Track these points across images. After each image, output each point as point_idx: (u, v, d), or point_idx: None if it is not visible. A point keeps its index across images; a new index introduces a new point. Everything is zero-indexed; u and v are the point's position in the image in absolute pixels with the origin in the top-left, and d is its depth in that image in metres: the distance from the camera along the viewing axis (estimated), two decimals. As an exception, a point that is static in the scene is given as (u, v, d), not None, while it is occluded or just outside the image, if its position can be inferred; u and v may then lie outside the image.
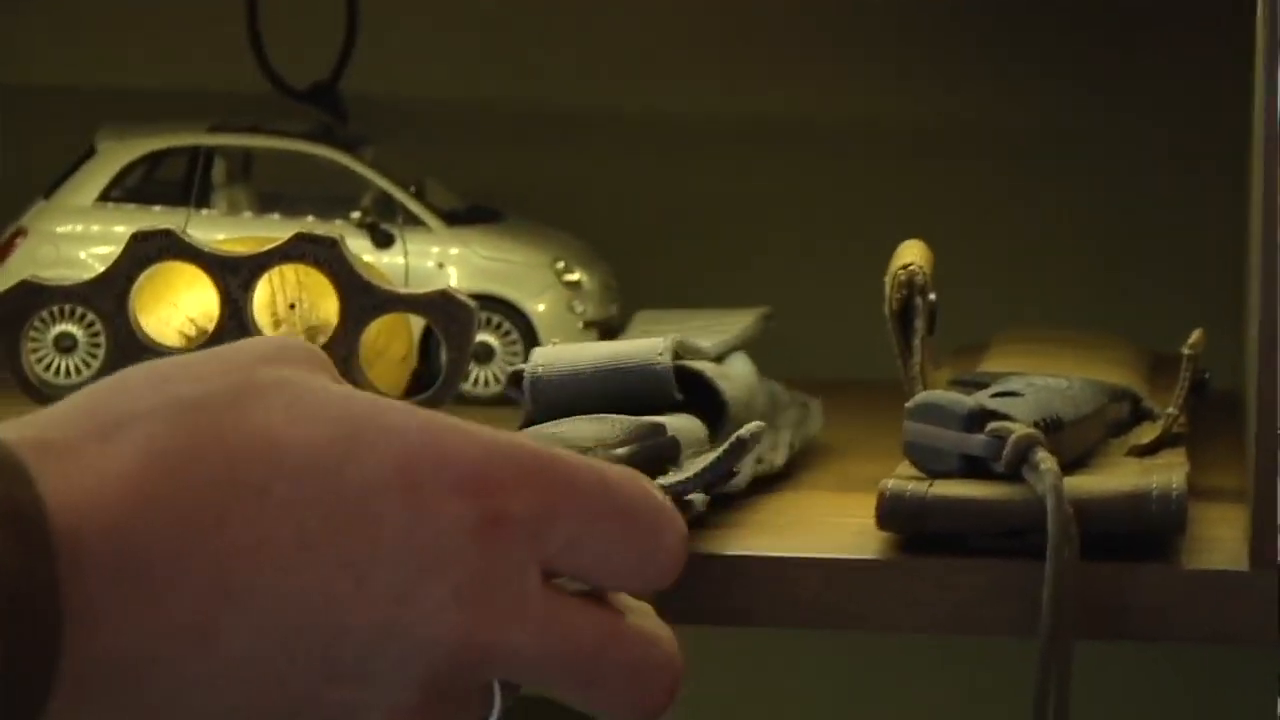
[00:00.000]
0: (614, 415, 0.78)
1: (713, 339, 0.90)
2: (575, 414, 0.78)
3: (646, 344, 0.83)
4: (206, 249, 0.84)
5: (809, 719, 1.36)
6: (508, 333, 1.06)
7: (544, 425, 0.79)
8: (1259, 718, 1.18)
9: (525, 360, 0.93)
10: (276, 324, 0.87)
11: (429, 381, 0.96)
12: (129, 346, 0.84)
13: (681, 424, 0.79)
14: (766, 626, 0.81)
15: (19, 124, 1.31)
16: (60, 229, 1.11)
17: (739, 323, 0.96)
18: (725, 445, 0.72)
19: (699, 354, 0.86)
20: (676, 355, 0.82)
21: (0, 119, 1.30)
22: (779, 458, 0.86)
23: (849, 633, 1.00)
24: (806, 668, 1.35)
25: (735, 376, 0.86)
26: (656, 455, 0.75)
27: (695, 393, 0.83)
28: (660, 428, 0.77)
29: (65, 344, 1.03)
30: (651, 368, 0.80)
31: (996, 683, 1.15)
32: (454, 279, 1.04)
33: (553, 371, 0.81)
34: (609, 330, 1.11)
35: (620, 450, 0.73)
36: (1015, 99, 1.24)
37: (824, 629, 0.84)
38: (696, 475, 0.72)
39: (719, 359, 0.88)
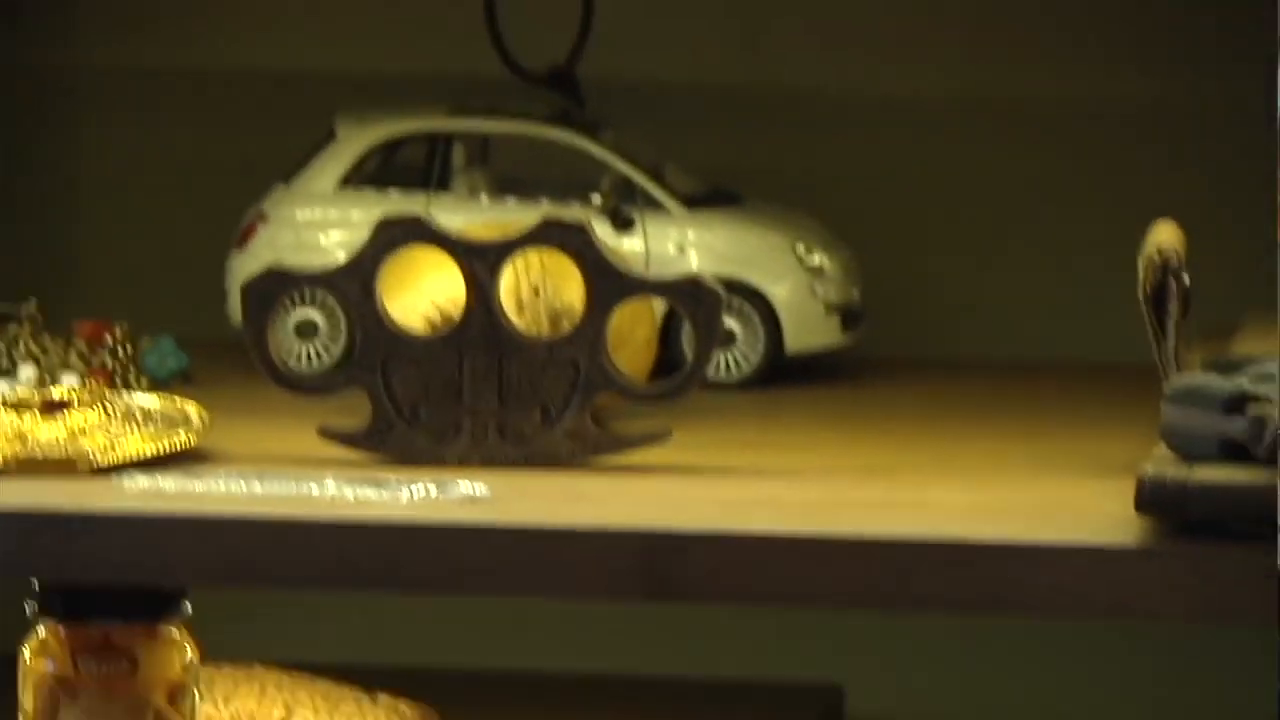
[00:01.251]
0: None
1: None
2: None
3: None
4: (454, 234, 0.87)
5: (1067, 704, 1.40)
6: (749, 317, 1.08)
7: None
8: None
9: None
10: (520, 308, 0.89)
11: (669, 365, 0.99)
12: (375, 332, 0.88)
13: None
14: (1025, 616, 0.83)
15: (260, 109, 1.37)
16: (300, 214, 1.15)
17: None
18: None
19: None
20: None
21: (241, 104, 1.36)
22: None
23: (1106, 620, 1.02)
24: (1059, 656, 1.38)
25: None
26: None
27: None
28: None
29: (305, 330, 1.07)
30: None
31: (1257, 671, 1.19)
32: (694, 263, 1.07)
33: None
34: (850, 315, 1.12)
35: None
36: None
37: (1085, 617, 0.85)
38: None
39: None
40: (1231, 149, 1.27)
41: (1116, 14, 1.27)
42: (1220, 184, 1.27)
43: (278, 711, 1.08)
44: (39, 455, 0.87)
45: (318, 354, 1.06)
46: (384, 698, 1.15)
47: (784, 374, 1.13)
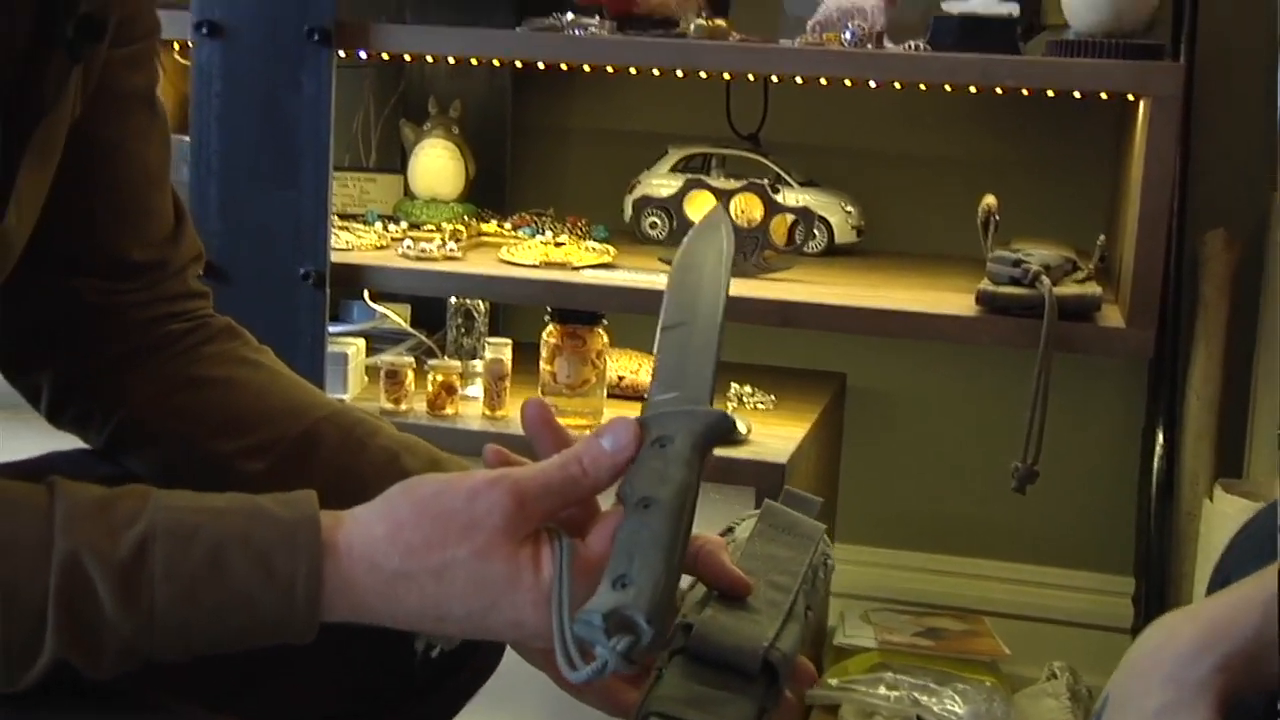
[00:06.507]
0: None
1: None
2: None
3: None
4: (713, 184, 2.28)
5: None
6: (825, 228, 2.43)
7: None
8: None
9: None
10: (738, 217, 2.29)
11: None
12: (686, 222, 2.28)
13: None
14: (926, 338, 2.13)
15: (611, 150, 2.69)
16: (654, 182, 2.51)
17: None
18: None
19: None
20: None
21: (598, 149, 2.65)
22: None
23: (955, 342, 2.31)
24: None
25: None
26: None
27: None
28: None
29: (655, 224, 2.45)
30: None
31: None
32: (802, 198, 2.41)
33: None
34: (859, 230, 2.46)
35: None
36: None
37: (942, 339, 2.28)
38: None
39: None
40: (1028, 182, 2.54)
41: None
42: (1023, 192, 2.53)
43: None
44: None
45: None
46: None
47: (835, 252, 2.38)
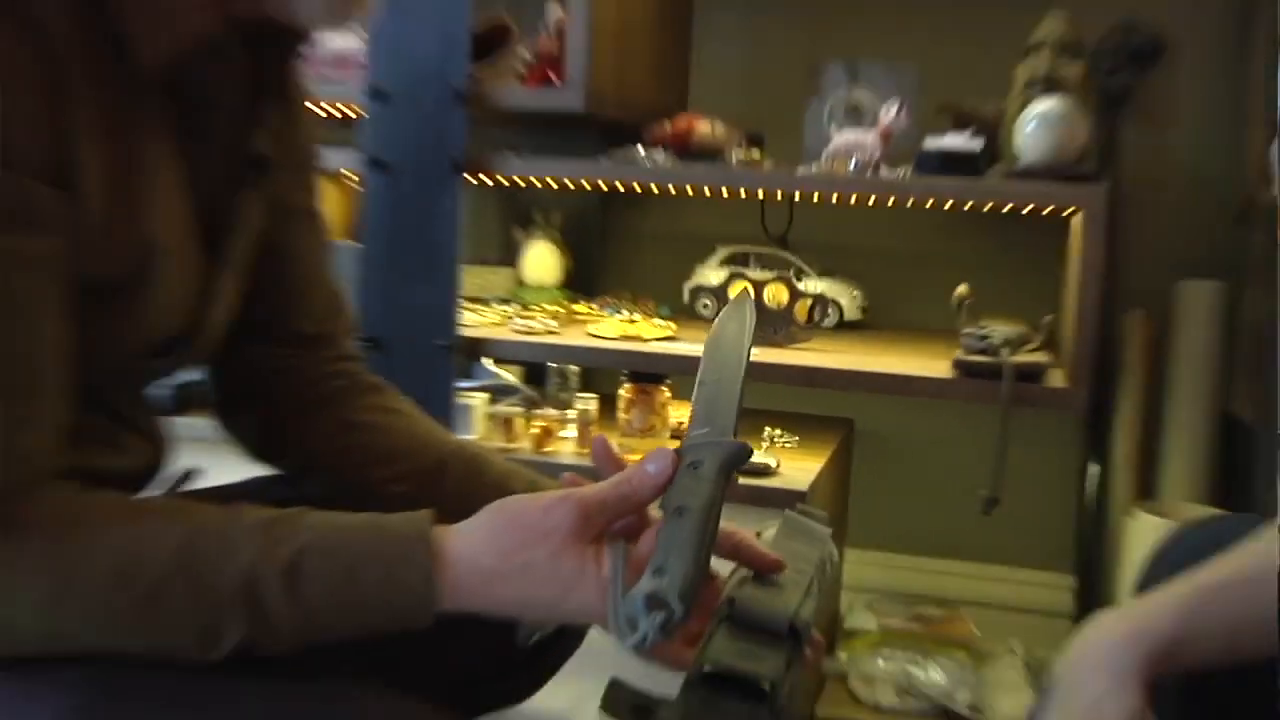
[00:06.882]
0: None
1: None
2: None
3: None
4: (750, 275, 2.33)
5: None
6: (838, 305, 2.49)
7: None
8: None
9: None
10: (770, 299, 2.35)
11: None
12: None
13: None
14: (903, 395, 2.19)
15: (675, 247, 2.79)
16: (707, 273, 2.59)
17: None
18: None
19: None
20: None
21: (659, 242, 2.74)
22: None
23: (933, 399, 2.39)
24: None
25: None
26: None
27: None
28: None
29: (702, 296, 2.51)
30: None
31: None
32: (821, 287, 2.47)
33: None
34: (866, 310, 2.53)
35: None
36: None
37: (923, 397, 2.15)
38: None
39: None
40: (993, 274, 2.57)
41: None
42: (988, 282, 2.57)
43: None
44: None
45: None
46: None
47: (845, 327, 2.50)
